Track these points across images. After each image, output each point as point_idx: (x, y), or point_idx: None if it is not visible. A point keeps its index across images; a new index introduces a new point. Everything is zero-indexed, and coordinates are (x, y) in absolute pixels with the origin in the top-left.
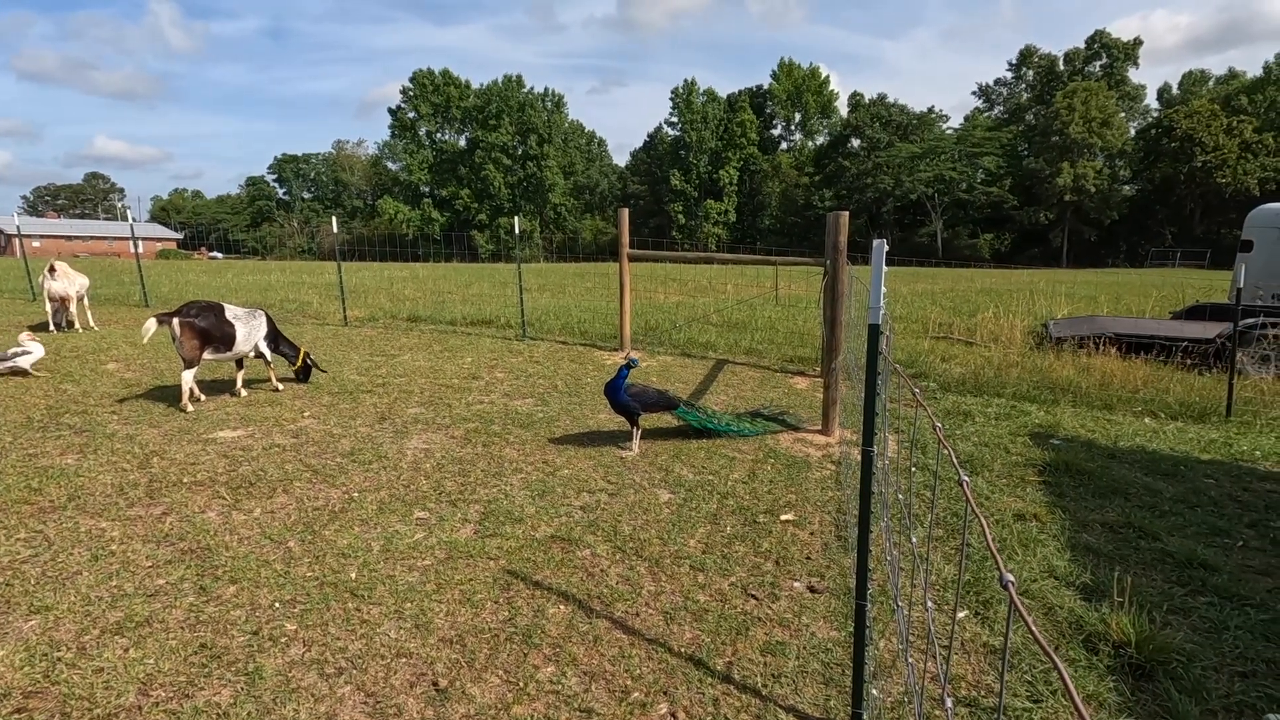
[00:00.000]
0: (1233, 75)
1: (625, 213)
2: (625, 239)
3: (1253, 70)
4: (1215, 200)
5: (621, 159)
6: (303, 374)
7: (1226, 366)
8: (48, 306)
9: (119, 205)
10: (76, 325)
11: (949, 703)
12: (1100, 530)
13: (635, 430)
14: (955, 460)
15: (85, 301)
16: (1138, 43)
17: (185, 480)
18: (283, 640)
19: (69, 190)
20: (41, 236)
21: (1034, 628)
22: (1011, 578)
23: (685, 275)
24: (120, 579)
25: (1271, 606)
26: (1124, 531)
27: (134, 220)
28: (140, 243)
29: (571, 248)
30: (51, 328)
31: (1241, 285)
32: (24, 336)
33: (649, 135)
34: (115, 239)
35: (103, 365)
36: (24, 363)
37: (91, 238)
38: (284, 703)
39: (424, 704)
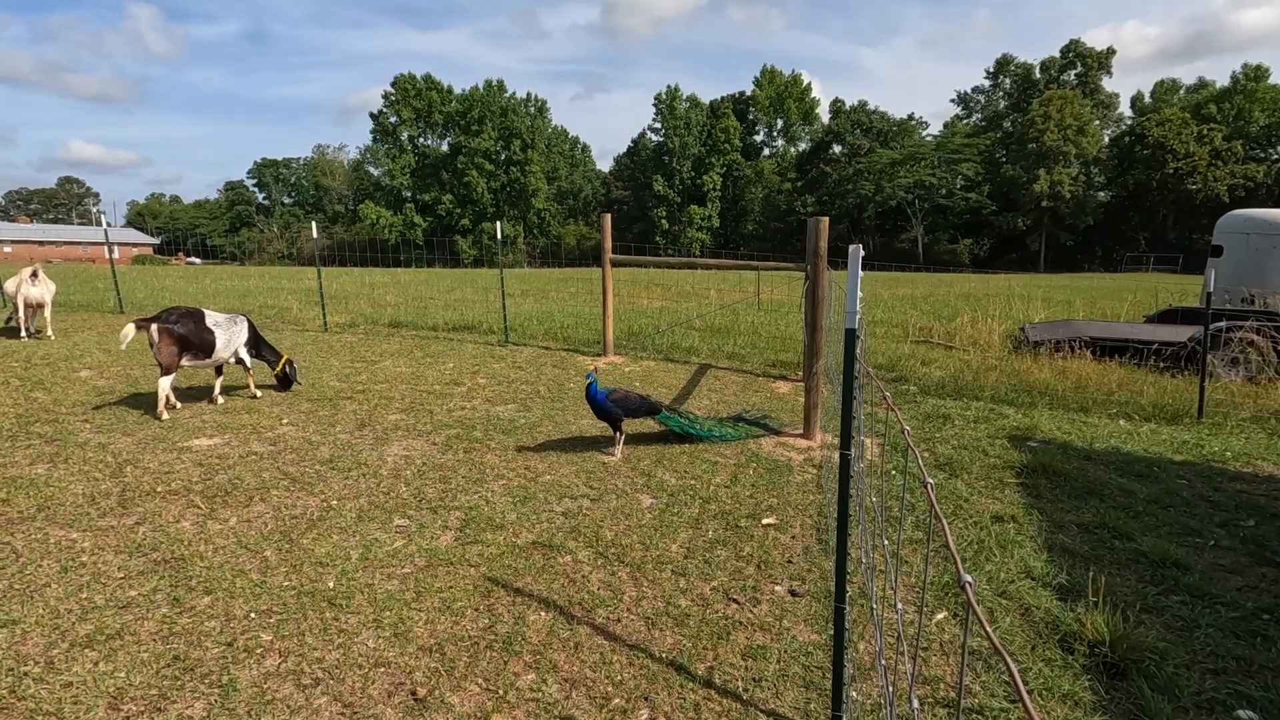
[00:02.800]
0: (1202, 84)
1: (609, 218)
2: (608, 244)
3: (1221, 80)
4: (1187, 206)
5: (605, 164)
6: (283, 381)
7: (1198, 369)
8: (22, 312)
9: (94, 210)
10: (48, 332)
11: (914, 702)
12: (1076, 531)
13: (618, 436)
14: (921, 465)
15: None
16: (1111, 52)
17: (159, 489)
18: (258, 651)
19: (42, 195)
20: (13, 242)
21: (987, 626)
22: (969, 579)
23: (668, 280)
24: (90, 591)
25: (1241, 604)
26: (1099, 532)
27: (109, 225)
28: (115, 248)
29: (555, 253)
30: (23, 334)
31: (1212, 289)
32: None
33: (632, 141)
34: (90, 244)
35: (75, 372)
36: None
37: (65, 243)
38: (259, 715)
39: (402, 714)
